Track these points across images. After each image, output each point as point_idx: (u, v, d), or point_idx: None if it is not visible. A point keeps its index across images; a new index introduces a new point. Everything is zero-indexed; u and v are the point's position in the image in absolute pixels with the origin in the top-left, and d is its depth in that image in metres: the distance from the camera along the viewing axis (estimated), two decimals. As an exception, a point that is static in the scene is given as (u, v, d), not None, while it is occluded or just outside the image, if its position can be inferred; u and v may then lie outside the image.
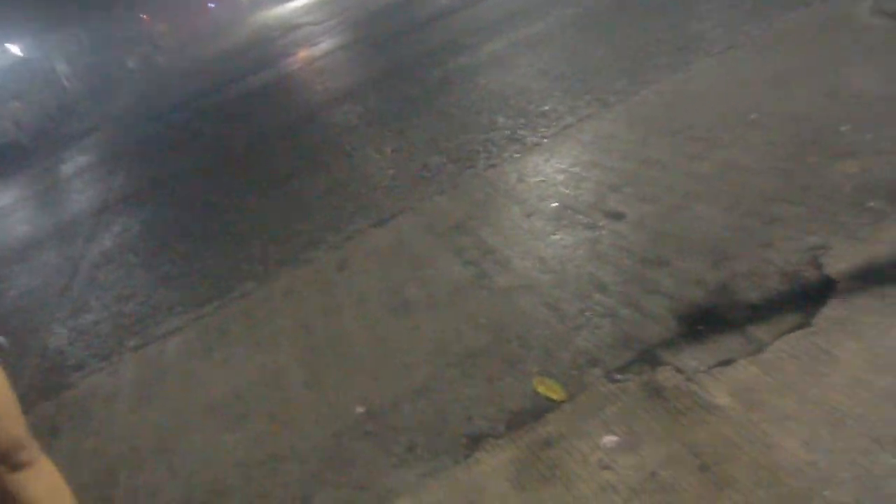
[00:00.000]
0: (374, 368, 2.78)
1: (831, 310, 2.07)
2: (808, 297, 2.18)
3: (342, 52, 11.76)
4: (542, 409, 2.19)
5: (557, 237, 3.14)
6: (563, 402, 2.18)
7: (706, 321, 2.26)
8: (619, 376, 2.18)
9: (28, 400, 3.76)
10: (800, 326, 2.06)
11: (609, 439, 1.95)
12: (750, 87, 3.86)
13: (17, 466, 2.11)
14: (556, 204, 3.44)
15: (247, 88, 12.29)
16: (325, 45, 13.55)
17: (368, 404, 2.58)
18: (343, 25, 15.56)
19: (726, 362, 2.04)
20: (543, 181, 3.74)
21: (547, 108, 4.80)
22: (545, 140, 4.27)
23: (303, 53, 13.76)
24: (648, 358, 2.20)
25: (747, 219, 2.72)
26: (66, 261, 6.23)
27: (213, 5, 69.10)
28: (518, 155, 4.22)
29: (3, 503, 2.12)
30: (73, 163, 11.98)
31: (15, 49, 29.77)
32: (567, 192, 3.52)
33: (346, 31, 14.38)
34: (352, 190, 4.84)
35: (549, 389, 2.24)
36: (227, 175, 6.92)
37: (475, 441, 2.19)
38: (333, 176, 5.32)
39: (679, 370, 2.08)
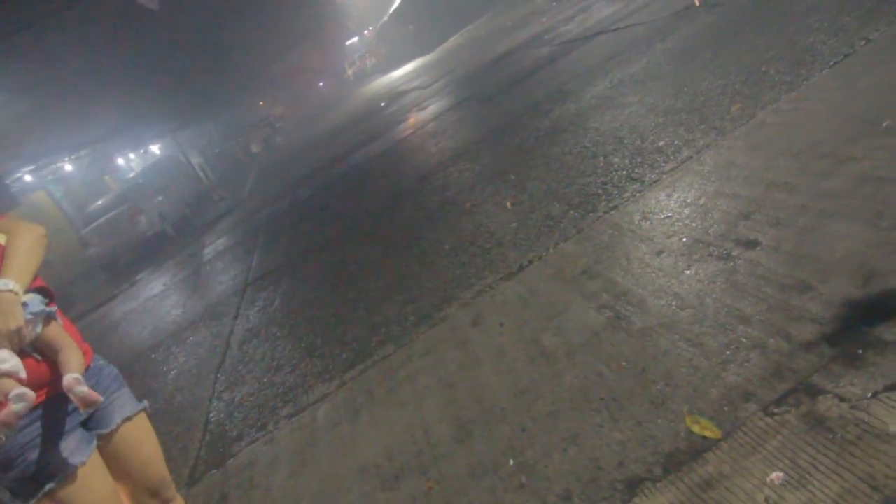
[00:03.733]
0: (520, 420, 2.80)
1: None
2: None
3: (451, 112, 12.06)
4: (698, 448, 2.15)
5: (691, 272, 3.08)
6: (719, 440, 2.13)
7: (864, 344, 2.15)
8: (776, 409, 2.10)
9: (198, 471, 4.04)
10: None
11: (774, 476, 1.89)
12: (877, 94, 3.68)
13: (164, 502, 2.59)
14: (686, 238, 3.38)
15: (363, 158, 12.81)
16: (433, 107, 13.98)
17: (519, 456, 2.60)
18: (448, 87, 16.03)
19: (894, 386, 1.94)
20: (669, 217, 3.69)
21: (662, 143, 4.75)
22: (664, 176, 4.22)
23: (413, 118, 14.23)
24: (806, 388, 2.12)
25: (894, 232, 2.58)
26: (216, 339, 6.61)
27: (321, 83, 73.19)
28: (639, 194, 4.18)
29: None
30: (213, 247, 12.76)
31: (156, 149, 32.69)
32: (695, 225, 3.45)
33: (452, 92, 14.77)
34: (478, 246, 4.91)
35: (704, 428, 2.19)
36: (355, 243, 7.16)
37: (632, 486, 2.17)
38: (458, 234, 5.42)
39: (842, 398, 1.99)
